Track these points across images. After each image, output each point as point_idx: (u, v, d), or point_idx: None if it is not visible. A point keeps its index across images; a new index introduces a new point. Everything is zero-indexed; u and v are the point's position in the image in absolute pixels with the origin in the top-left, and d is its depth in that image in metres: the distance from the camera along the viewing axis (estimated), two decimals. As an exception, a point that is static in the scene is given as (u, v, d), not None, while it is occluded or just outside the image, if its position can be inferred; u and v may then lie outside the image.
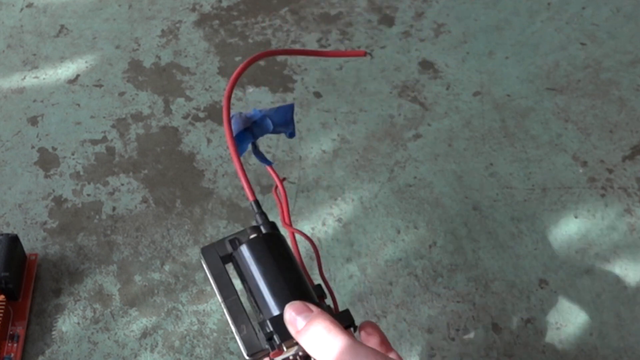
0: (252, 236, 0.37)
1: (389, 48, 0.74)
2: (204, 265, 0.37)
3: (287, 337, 0.33)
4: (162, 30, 0.76)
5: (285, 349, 0.33)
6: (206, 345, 0.53)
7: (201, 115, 0.68)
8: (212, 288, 0.36)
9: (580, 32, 0.76)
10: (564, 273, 0.57)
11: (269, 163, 0.42)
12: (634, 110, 0.69)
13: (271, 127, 0.40)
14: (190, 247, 0.59)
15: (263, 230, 0.37)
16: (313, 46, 0.74)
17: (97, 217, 0.60)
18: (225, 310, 0.36)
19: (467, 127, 0.67)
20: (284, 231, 0.39)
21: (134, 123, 0.67)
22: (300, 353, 0.34)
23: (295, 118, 0.67)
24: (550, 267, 0.57)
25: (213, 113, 0.68)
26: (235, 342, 0.53)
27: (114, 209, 0.61)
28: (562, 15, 0.78)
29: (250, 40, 0.75)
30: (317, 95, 0.70)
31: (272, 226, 0.38)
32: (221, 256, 0.37)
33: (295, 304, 0.33)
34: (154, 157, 0.65)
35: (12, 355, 0.52)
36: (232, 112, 0.40)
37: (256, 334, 0.34)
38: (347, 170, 0.64)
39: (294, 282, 0.35)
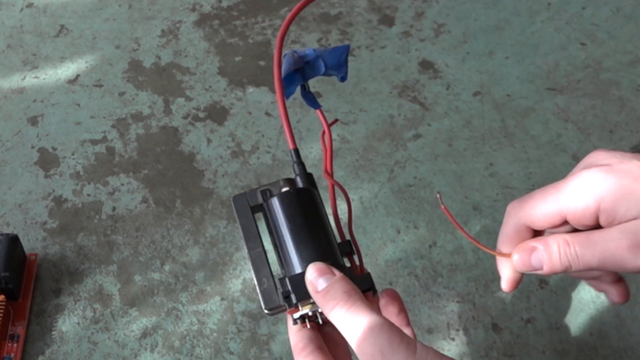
0: (283, 189, 0.36)
1: (389, 48, 0.74)
2: (235, 213, 0.37)
3: (304, 297, 0.33)
4: (162, 30, 0.76)
5: (301, 308, 0.33)
6: (206, 345, 0.53)
7: (201, 115, 0.68)
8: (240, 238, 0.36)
9: (580, 32, 0.76)
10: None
11: (318, 106, 0.40)
12: (634, 110, 0.69)
13: (323, 68, 0.39)
14: (190, 247, 0.59)
15: (299, 181, 0.37)
16: (313, 46, 0.74)
17: (97, 217, 0.60)
18: (249, 262, 0.35)
19: (467, 127, 0.67)
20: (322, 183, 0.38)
21: (134, 123, 0.67)
22: (319, 310, 0.34)
23: (296, 118, 0.67)
24: (550, 267, 0.57)
25: (213, 113, 0.68)
26: (236, 342, 0.54)
27: (114, 209, 0.61)
28: (562, 15, 0.78)
29: (250, 40, 0.75)
30: (317, 95, 0.70)
31: (309, 177, 0.37)
32: (252, 206, 0.37)
33: (319, 264, 0.33)
34: (154, 157, 0.65)
35: (12, 355, 0.52)
36: (285, 51, 0.38)
37: (276, 289, 0.34)
38: (347, 170, 0.64)
39: (320, 242, 0.34)
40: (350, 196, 0.62)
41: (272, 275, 0.35)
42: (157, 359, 0.53)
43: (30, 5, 0.78)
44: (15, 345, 0.52)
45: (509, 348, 0.53)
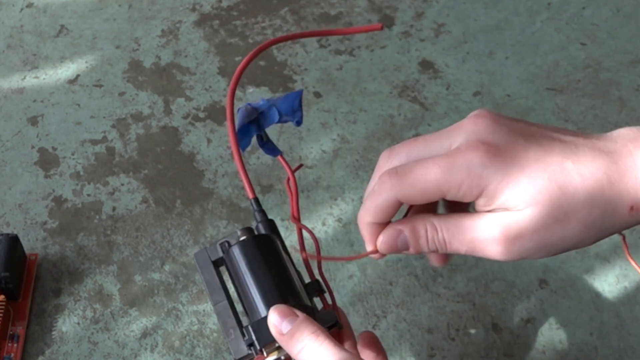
0: (241, 238, 0.37)
1: (389, 48, 0.74)
2: (198, 269, 0.38)
3: (267, 341, 0.33)
4: (162, 30, 0.76)
5: (265, 354, 0.33)
6: (206, 345, 0.53)
7: (201, 115, 0.68)
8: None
9: (580, 32, 0.76)
10: (564, 273, 0.57)
11: (278, 153, 0.40)
12: (634, 110, 0.69)
13: (277, 117, 0.39)
14: (190, 247, 0.59)
15: (261, 227, 0.38)
16: (313, 46, 0.74)
17: (97, 217, 0.60)
18: (216, 315, 0.36)
19: (467, 127, 0.67)
20: (284, 229, 0.39)
21: (134, 123, 0.67)
22: (283, 358, 0.34)
23: (295, 118, 0.67)
24: (550, 267, 0.57)
25: (213, 113, 0.68)
26: (235, 342, 0.54)
27: (114, 209, 0.61)
28: (562, 15, 0.78)
29: (250, 40, 0.75)
30: (317, 95, 0.70)
31: (271, 224, 0.38)
32: (213, 260, 0.38)
33: (281, 307, 0.33)
34: (154, 157, 0.65)
35: (12, 355, 0.52)
36: (240, 105, 0.39)
37: (243, 337, 0.35)
38: (347, 170, 0.64)
39: (281, 285, 0.35)
40: (350, 196, 0.62)
41: (239, 326, 0.35)
42: (157, 359, 0.53)
43: (30, 5, 0.78)
44: (15, 345, 0.52)
45: (509, 348, 0.53)
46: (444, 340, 0.54)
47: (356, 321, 0.54)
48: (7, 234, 0.54)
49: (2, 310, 0.52)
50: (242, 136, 0.39)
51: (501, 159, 0.30)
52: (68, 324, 0.54)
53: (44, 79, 0.71)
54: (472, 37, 0.75)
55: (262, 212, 0.38)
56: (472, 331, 0.54)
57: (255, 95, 0.70)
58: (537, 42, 0.75)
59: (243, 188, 0.62)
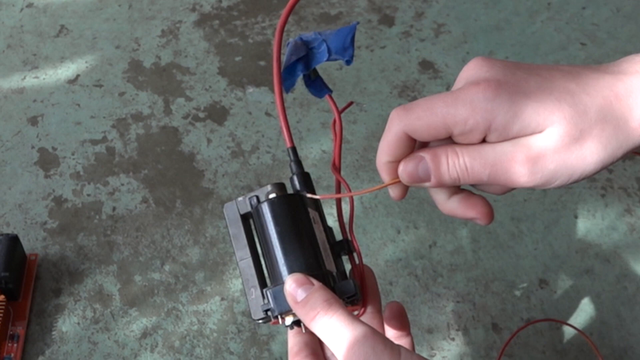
0: (271, 196, 0.35)
1: (389, 48, 0.74)
2: (226, 222, 0.37)
3: (284, 309, 0.33)
4: (162, 30, 0.76)
5: (280, 322, 0.33)
6: (206, 345, 0.53)
7: (201, 115, 0.68)
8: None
9: (580, 32, 0.76)
10: (564, 273, 0.57)
11: (327, 92, 0.37)
12: (634, 110, 0.69)
13: (326, 55, 0.36)
14: (190, 247, 0.59)
15: (295, 180, 0.36)
16: (313, 46, 0.74)
17: (97, 217, 0.60)
18: (239, 271, 0.35)
19: (467, 127, 0.67)
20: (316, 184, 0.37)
21: (134, 123, 0.67)
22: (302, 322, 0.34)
23: (295, 118, 0.67)
24: (550, 267, 0.57)
25: (213, 113, 0.68)
26: (236, 342, 0.54)
27: (114, 209, 0.61)
28: (562, 15, 0.78)
29: (250, 40, 0.75)
30: (317, 95, 0.70)
31: (306, 177, 0.37)
32: (242, 214, 0.36)
33: (297, 275, 0.33)
34: (154, 157, 0.65)
35: (12, 355, 0.52)
36: (289, 39, 0.37)
37: (263, 299, 0.34)
38: (347, 170, 0.64)
39: (303, 251, 0.34)
40: (350, 196, 0.62)
41: (259, 286, 0.35)
42: (157, 359, 0.53)
43: (30, 5, 0.78)
44: (15, 345, 0.52)
45: (509, 348, 0.53)
46: (444, 340, 0.54)
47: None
48: (7, 234, 0.54)
49: (2, 310, 0.52)
50: (286, 76, 0.37)
51: (504, 91, 0.30)
52: (68, 324, 0.54)
53: (44, 79, 0.71)
54: (472, 37, 0.75)
55: (298, 163, 0.37)
56: (472, 331, 0.54)
57: (255, 95, 0.70)
58: (537, 42, 0.75)
59: (243, 188, 0.62)
